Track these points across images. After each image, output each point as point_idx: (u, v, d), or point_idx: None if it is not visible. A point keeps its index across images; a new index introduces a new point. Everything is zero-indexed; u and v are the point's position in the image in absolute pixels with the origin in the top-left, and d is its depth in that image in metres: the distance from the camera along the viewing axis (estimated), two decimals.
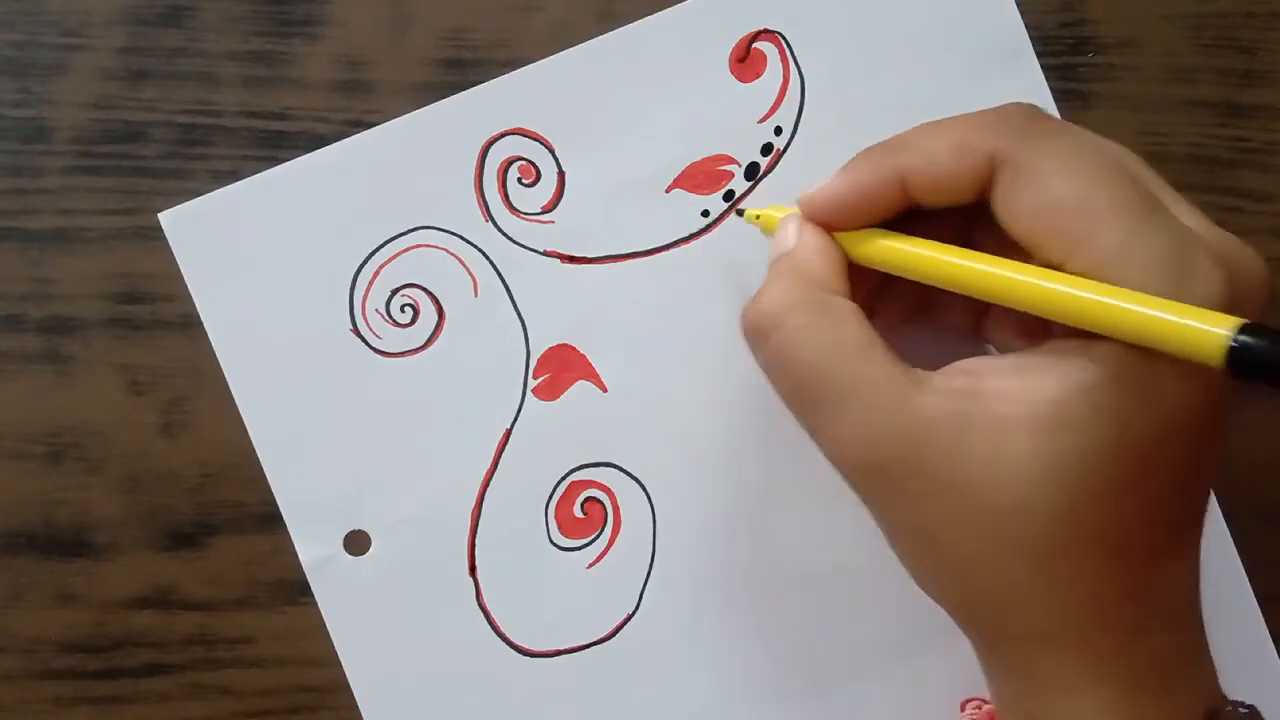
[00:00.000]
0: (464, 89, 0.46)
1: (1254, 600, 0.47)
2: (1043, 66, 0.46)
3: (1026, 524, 0.34)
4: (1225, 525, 0.46)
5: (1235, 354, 0.31)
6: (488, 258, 0.45)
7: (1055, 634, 0.36)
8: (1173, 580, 0.36)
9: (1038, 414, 0.34)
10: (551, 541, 0.46)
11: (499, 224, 0.45)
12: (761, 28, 0.46)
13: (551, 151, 0.46)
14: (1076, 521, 0.34)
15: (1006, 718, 0.39)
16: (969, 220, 0.39)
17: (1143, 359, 0.33)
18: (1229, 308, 0.33)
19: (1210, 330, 0.31)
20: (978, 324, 0.43)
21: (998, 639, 0.37)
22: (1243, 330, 0.31)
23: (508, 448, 0.46)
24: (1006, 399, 0.34)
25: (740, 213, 0.45)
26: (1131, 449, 0.34)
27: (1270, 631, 0.47)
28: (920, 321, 0.43)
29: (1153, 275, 0.33)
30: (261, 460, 0.45)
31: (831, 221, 0.40)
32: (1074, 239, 0.35)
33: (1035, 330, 0.39)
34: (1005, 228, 0.36)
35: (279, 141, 0.46)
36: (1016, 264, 0.36)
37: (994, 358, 0.37)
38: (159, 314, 0.46)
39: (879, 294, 0.42)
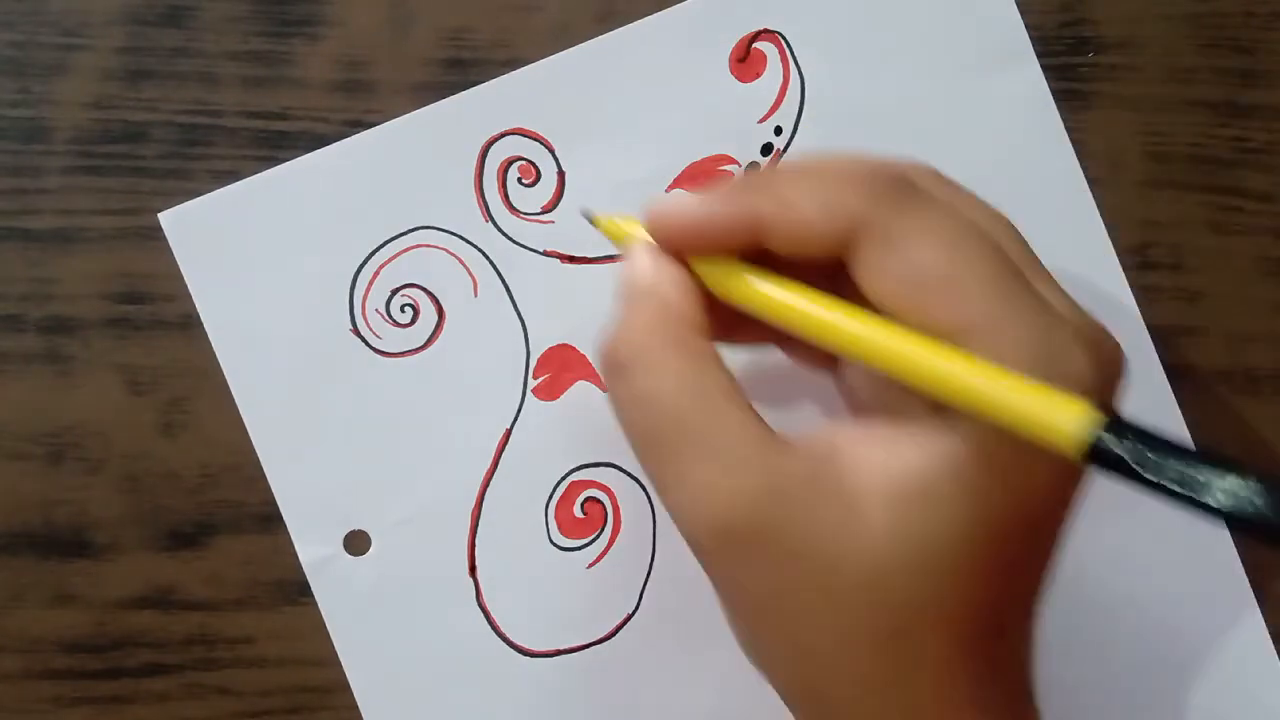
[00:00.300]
0: (464, 89, 0.46)
1: (1254, 600, 0.47)
2: (1043, 66, 0.46)
3: (876, 602, 0.33)
4: (1226, 525, 0.46)
5: (1096, 450, 0.30)
6: (488, 258, 0.45)
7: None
8: (1018, 661, 0.36)
9: (896, 487, 0.33)
10: (551, 541, 0.46)
11: (499, 224, 0.45)
12: (761, 28, 0.46)
13: (551, 151, 0.46)
14: (930, 602, 0.33)
15: None
16: (830, 267, 0.36)
17: (1005, 437, 0.32)
18: (1095, 389, 0.32)
19: (1070, 422, 0.30)
20: (836, 362, 0.40)
21: None
22: (1107, 427, 0.30)
23: (508, 448, 0.46)
24: (866, 469, 0.33)
25: (587, 217, 0.41)
26: (991, 528, 0.33)
27: (1270, 631, 0.47)
28: (773, 349, 0.42)
29: (1020, 354, 0.32)
30: (261, 460, 0.45)
31: (678, 247, 0.37)
32: (938, 313, 0.33)
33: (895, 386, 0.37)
34: (865, 293, 0.34)
35: (279, 141, 0.46)
36: (886, 327, 0.34)
37: (859, 426, 0.35)
38: (159, 314, 0.46)
39: (734, 319, 0.38)
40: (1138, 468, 0.29)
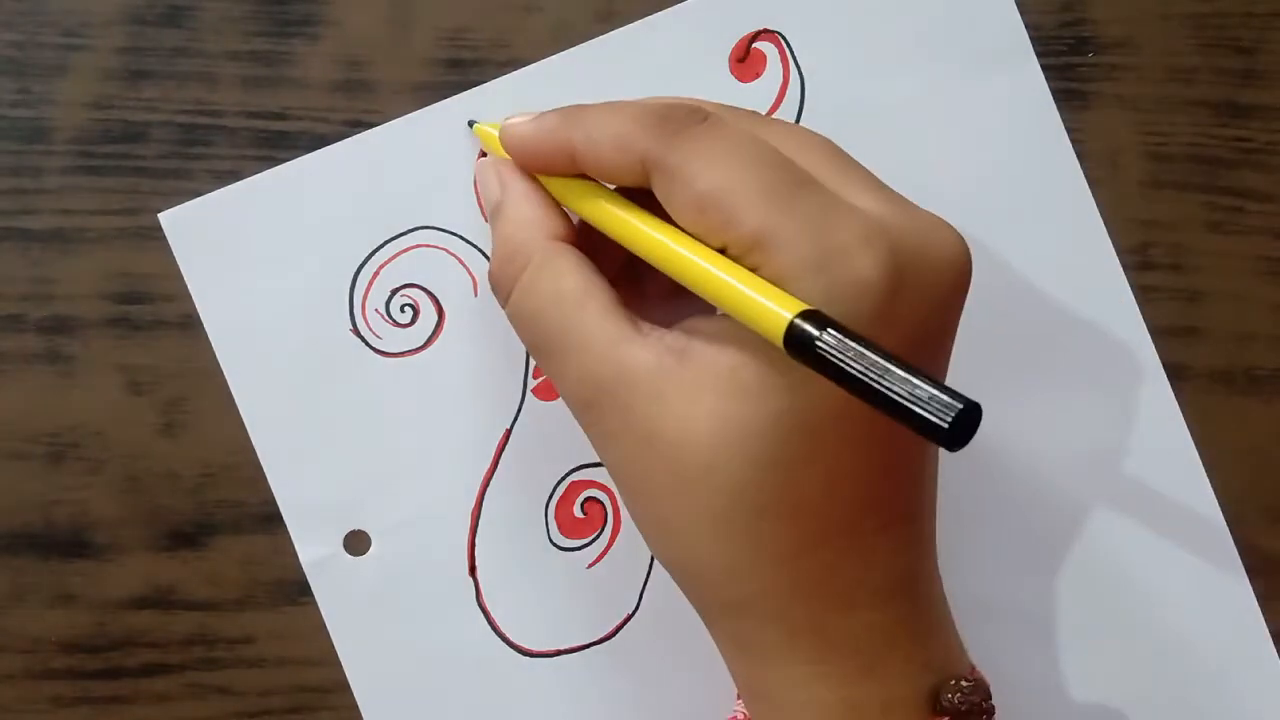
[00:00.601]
0: (464, 89, 0.46)
1: (1254, 600, 0.47)
2: (1043, 66, 0.46)
3: (713, 487, 0.35)
4: (1225, 525, 0.46)
5: (792, 337, 0.31)
6: (487, 257, 0.45)
7: (753, 604, 0.37)
8: (882, 562, 0.37)
9: (721, 378, 0.35)
10: (551, 541, 0.46)
11: None
12: (761, 28, 0.46)
13: None
14: (759, 488, 0.35)
15: (743, 694, 0.40)
16: None
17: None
18: (888, 287, 0.34)
19: (774, 311, 0.32)
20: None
21: (708, 608, 0.39)
22: (802, 315, 0.31)
23: (508, 447, 0.46)
24: (703, 360, 0.35)
25: (471, 124, 0.45)
26: (800, 421, 0.34)
27: (1270, 631, 0.47)
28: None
29: (793, 254, 0.33)
30: (261, 460, 0.45)
31: (521, 161, 0.41)
32: (722, 231, 0.35)
33: None
34: (672, 219, 0.37)
35: (279, 141, 0.46)
36: (675, 235, 0.36)
37: (710, 320, 0.37)
38: (159, 314, 0.45)
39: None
40: (833, 355, 0.30)
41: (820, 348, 0.30)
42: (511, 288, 0.39)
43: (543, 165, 0.40)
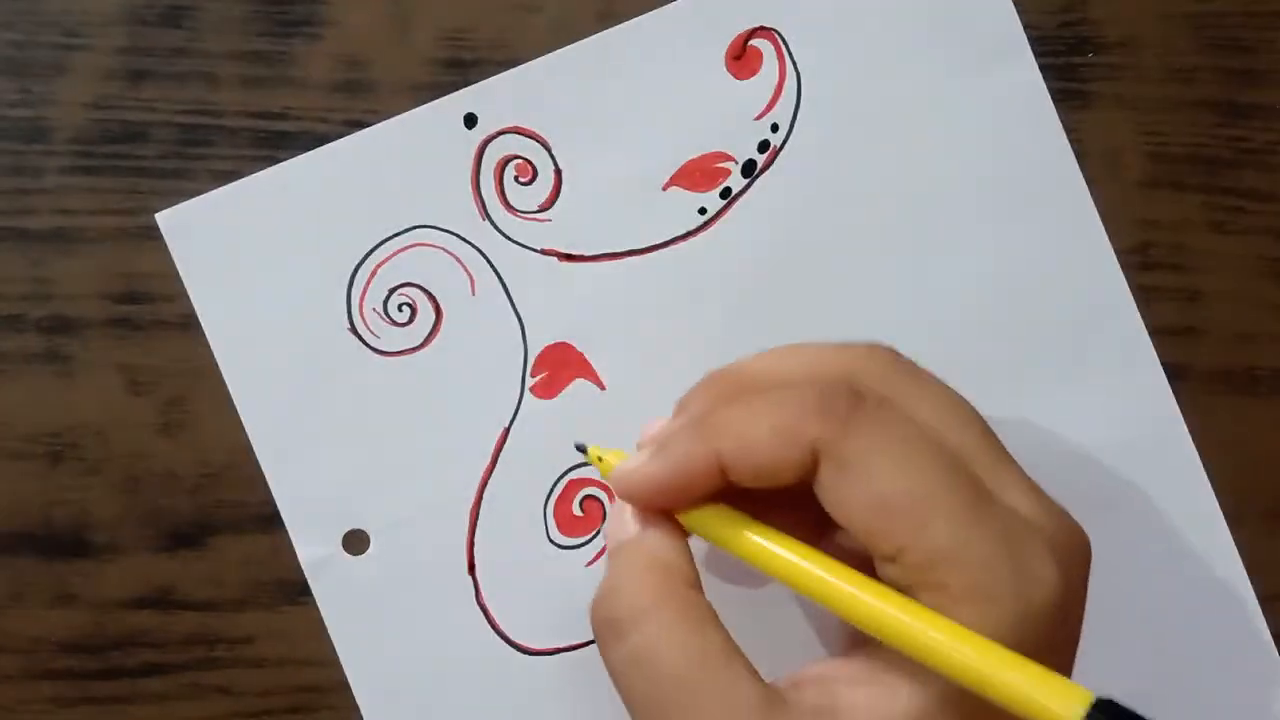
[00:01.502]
0: (463, 89, 0.46)
1: (1254, 600, 0.47)
2: (1042, 66, 0.46)
3: None
4: (1225, 525, 0.46)
5: None
6: (485, 256, 0.45)
7: None
8: None
9: None
10: (550, 540, 0.46)
11: (496, 222, 0.46)
12: (757, 25, 0.46)
13: (548, 149, 0.46)
14: None
15: None
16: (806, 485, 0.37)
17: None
18: (1067, 600, 0.33)
19: (1062, 706, 0.31)
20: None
21: None
22: (1095, 706, 0.31)
23: (506, 446, 0.46)
24: (857, 718, 0.33)
25: (581, 449, 0.42)
26: None
27: (1270, 631, 0.47)
28: None
29: (990, 574, 0.33)
30: (259, 460, 0.45)
31: (650, 505, 0.38)
32: (902, 538, 0.33)
33: None
34: (833, 516, 0.35)
35: (279, 141, 0.46)
36: (865, 582, 0.34)
37: (839, 664, 0.35)
38: (159, 314, 0.46)
39: None
40: None
41: None
42: (637, 625, 0.35)
43: (686, 494, 0.37)
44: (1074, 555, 0.35)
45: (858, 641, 0.36)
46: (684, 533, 0.38)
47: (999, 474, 0.36)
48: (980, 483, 0.35)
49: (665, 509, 0.38)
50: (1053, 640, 0.33)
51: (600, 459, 0.41)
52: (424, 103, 0.46)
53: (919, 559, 0.33)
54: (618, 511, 0.39)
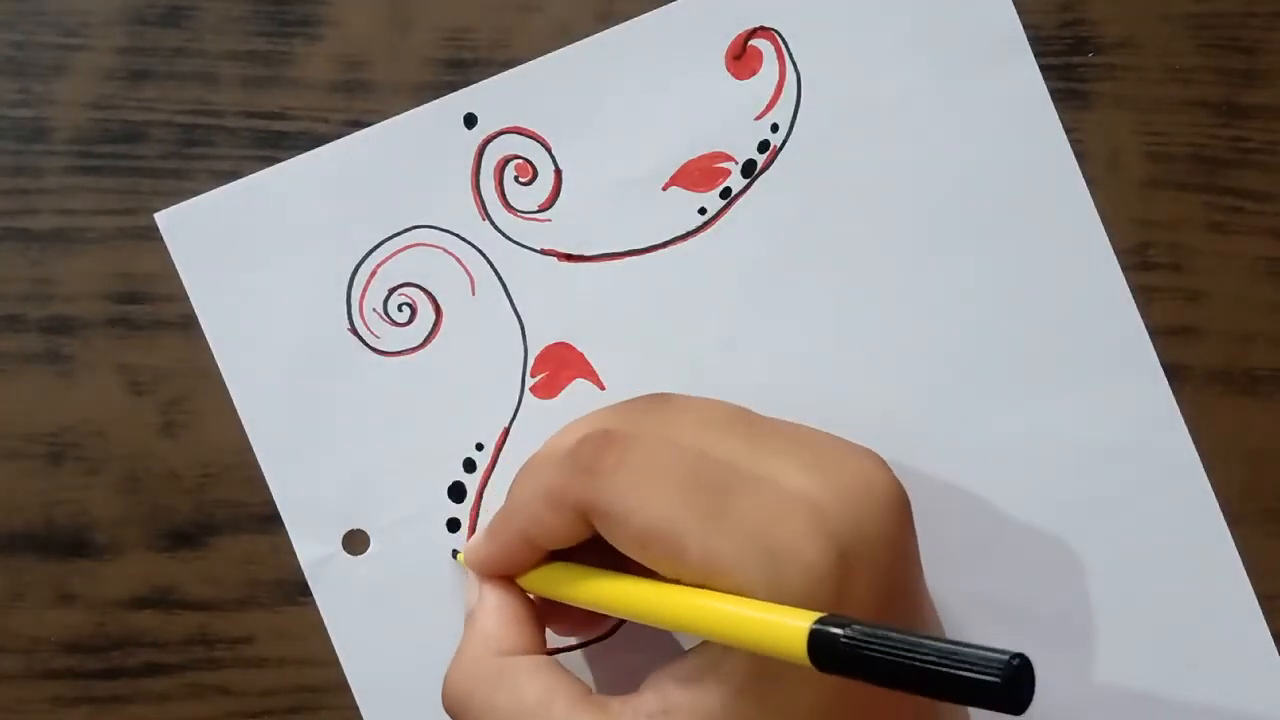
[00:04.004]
0: (464, 89, 0.46)
1: (1254, 600, 0.46)
2: (1042, 67, 0.46)
3: None
4: (1225, 525, 0.46)
5: (817, 644, 0.30)
6: (485, 256, 0.46)
7: None
8: None
9: None
10: None
11: (496, 222, 0.46)
12: (757, 25, 0.46)
13: (548, 149, 0.46)
14: None
15: None
16: None
17: (768, 666, 0.33)
18: (841, 570, 0.34)
19: (791, 625, 0.31)
20: None
21: None
22: (819, 621, 0.31)
23: (506, 446, 0.46)
24: (685, 718, 0.35)
25: (455, 553, 0.46)
26: None
27: (1270, 631, 0.46)
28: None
29: (742, 571, 0.34)
30: (259, 460, 0.45)
31: (489, 575, 0.42)
32: (670, 568, 0.35)
33: None
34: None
35: (279, 141, 0.46)
36: (645, 582, 0.37)
37: (675, 666, 0.36)
38: (159, 314, 0.46)
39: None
40: (865, 648, 0.29)
41: (847, 642, 0.30)
42: (466, 707, 0.39)
43: (513, 567, 0.41)
44: (860, 514, 0.36)
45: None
46: (522, 596, 0.42)
47: (767, 461, 0.37)
48: (732, 481, 0.36)
49: (504, 575, 0.42)
50: (843, 603, 0.33)
51: (460, 558, 0.45)
52: (424, 103, 0.46)
53: (691, 581, 0.35)
54: (468, 581, 0.43)
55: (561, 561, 0.40)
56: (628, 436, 0.37)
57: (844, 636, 0.30)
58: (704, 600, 0.34)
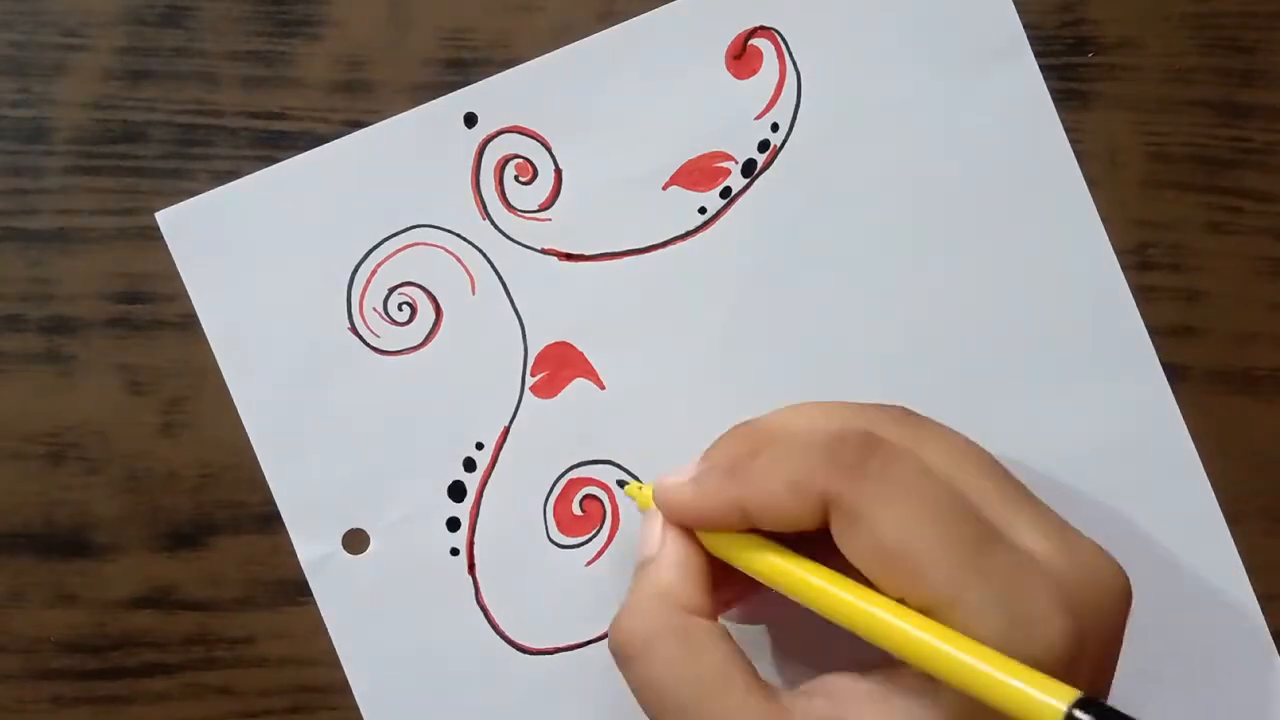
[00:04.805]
0: (464, 89, 0.46)
1: (1254, 600, 0.47)
2: (1042, 67, 0.46)
3: None
4: (1225, 525, 0.46)
5: None
6: (485, 256, 0.46)
7: None
8: None
9: None
10: (550, 539, 0.46)
11: (496, 222, 0.46)
12: (757, 24, 0.46)
13: (548, 149, 0.46)
14: None
15: None
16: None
17: (983, 706, 0.33)
18: (1075, 649, 0.34)
19: (1044, 702, 0.31)
20: None
21: None
22: (1078, 704, 0.31)
23: (506, 445, 0.46)
24: None
25: (621, 485, 0.45)
26: None
27: (1270, 631, 0.47)
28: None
29: (985, 622, 0.33)
30: (259, 459, 0.45)
31: (678, 521, 0.40)
32: (902, 587, 0.35)
33: None
34: (849, 560, 0.36)
35: (279, 141, 0.46)
36: (868, 594, 0.36)
37: (853, 679, 0.36)
38: (159, 314, 0.46)
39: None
40: None
41: None
42: (641, 654, 0.38)
43: (713, 527, 0.39)
44: (1098, 599, 0.36)
45: (877, 663, 0.37)
46: (703, 553, 0.40)
47: (1013, 517, 0.37)
48: (986, 528, 0.35)
49: (690, 528, 0.40)
50: (1069, 682, 0.33)
51: (637, 491, 0.45)
52: (424, 103, 0.46)
53: (918, 606, 0.34)
54: (648, 521, 0.41)
55: (760, 536, 0.39)
56: (892, 447, 0.37)
57: None
58: (954, 642, 0.33)
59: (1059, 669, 0.33)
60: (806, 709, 0.36)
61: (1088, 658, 0.35)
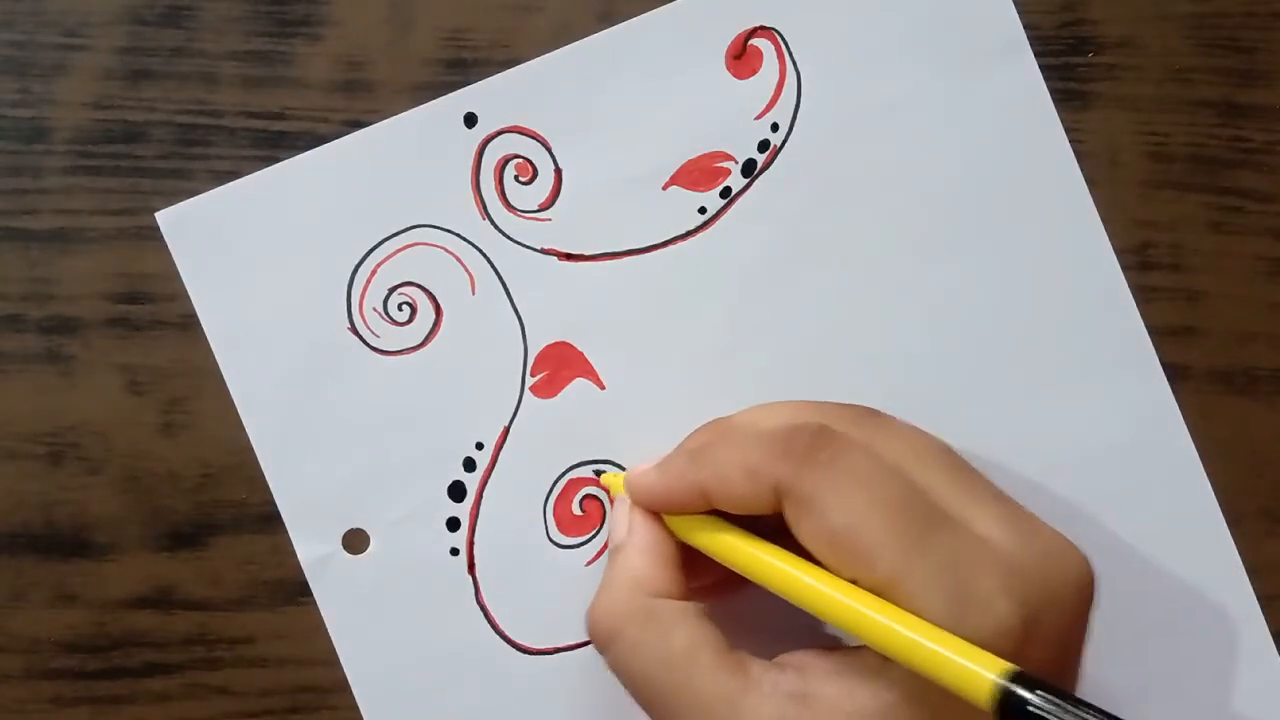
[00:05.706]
0: (464, 89, 0.46)
1: (1254, 600, 0.47)
2: (1042, 66, 0.46)
3: None
4: (1225, 525, 0.46)
5: (1004, 703, 0.31)
6: (485, 256, 0.46)
7: None
8: None
9: None
10: (550, 539, 0.46)
11: (496, 222, 0.46)
12: (757, 24, 0.46)
13: (548, 149, 0.46)
14: None
15: None
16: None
17: (932, 684, 0.34)
18: (1023, 633, 0.34)
19: (975, 672, 0.32)
20: None
21: None
22: (1012, 678, 0.31)
23: (506, 446, 0.46)
24: (825, 705, 0.36)
25: (598, 473, 0.46)
26: None
27: (1270, 631, 0.47)
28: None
29: (927, 603, 0.34)
30: (259, 459, 0.45)
31: (645, 506, 0.42)
32: (853, 570, 0.36)
33: None
34: (802, 545, 0.38)
35: (279, 141, 0.46)
36: (817, 573, 0.37)
37: (820, 656, 0.38)
38: (159, 314, 0.46)
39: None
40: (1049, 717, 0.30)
41: (1034, 711, 0.31)
42: (612, 640, 0.40)
43: (675, 509, 0.41)
44: (1053, 585, 0.36)
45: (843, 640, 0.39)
46: (671, 538, 0.42)
47: (967, 505, 0.37)
48: (935, 513, 0.36)
49: (658, 512, 0.42)
50: (1017, 664, 0.33)
51: (611, 479, 0.45)
52: (424, 103, 0.46)
53: (869, 587, 0.36)
54: (617, 509, 0.43)
55: (717, 517, 0.41)
56: (844, 439, 0.38)
57: (1032, 704, 0.31)
58: (894, 618, 0.34)
59: (1006, 649, 0.34)
60: (776, 680, 0.37)
61: (1040, 641, 0.35)
